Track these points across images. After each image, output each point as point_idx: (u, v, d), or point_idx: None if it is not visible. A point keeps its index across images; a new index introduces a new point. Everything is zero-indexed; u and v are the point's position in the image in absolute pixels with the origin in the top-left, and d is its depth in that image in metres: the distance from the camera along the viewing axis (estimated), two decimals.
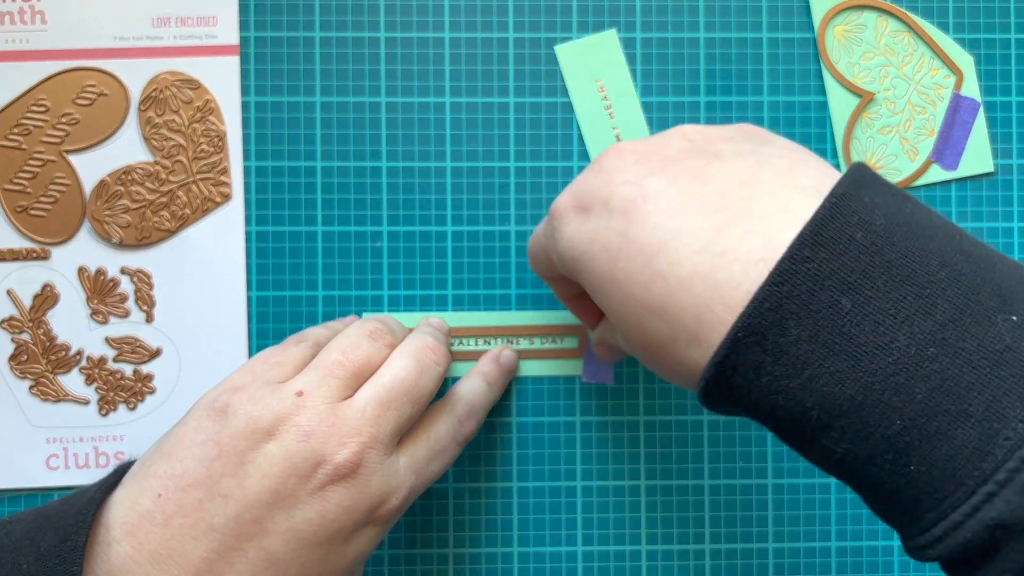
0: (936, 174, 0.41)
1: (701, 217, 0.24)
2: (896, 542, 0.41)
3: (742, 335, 0.23)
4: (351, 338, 0.32)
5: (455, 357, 0.40)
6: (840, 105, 0.41)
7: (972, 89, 0.41)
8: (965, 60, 0.41)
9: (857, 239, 0.22)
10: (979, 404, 0.21)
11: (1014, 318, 0.21)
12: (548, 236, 0.30)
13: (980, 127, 0.41)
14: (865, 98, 0.41)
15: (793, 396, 0.22)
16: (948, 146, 0.41)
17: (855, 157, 0.41)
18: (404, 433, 0.32)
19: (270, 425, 0.29)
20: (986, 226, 0.41)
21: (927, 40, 0.41)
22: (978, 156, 0.41)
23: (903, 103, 0.41)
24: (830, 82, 0.41)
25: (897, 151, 0.41)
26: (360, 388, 0.31)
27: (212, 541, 0.27)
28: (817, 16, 0.41)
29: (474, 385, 0.37)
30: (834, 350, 0.22)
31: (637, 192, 0.26)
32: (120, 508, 0.28)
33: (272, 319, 0.40)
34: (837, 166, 0.41)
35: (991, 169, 0.41)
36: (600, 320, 0.36)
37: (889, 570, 0.41)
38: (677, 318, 0.24)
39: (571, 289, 0.36)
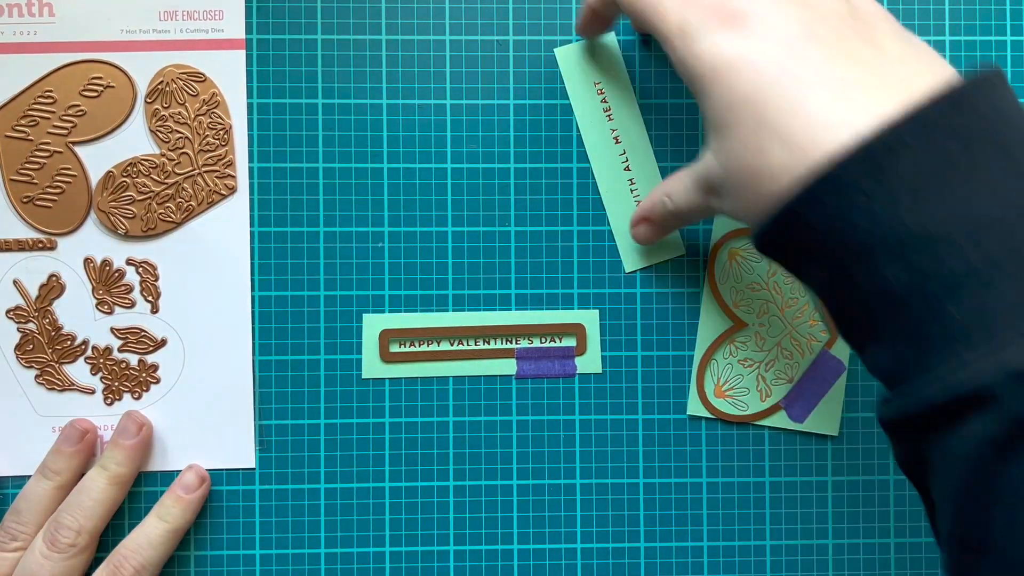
0: None
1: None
2: (894, 540, 0.41)
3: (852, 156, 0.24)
4: None
5: (454, 356, 0.41)
6: None
7: None
8: None
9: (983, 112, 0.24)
10: None
11: None
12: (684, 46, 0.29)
13: None
14: None
15: (886, 223, 0.24)
16: None
17: None
18: None
19: None
20: None
21: None
22: None
23: None
24: None
25: None
26: None
27: None
28: None
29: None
30: (938, 184, 0.23)
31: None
32: None
33: (275, 319, 0.41)
34: None
35: None
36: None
37: (886, 567, 0.41)
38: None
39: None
